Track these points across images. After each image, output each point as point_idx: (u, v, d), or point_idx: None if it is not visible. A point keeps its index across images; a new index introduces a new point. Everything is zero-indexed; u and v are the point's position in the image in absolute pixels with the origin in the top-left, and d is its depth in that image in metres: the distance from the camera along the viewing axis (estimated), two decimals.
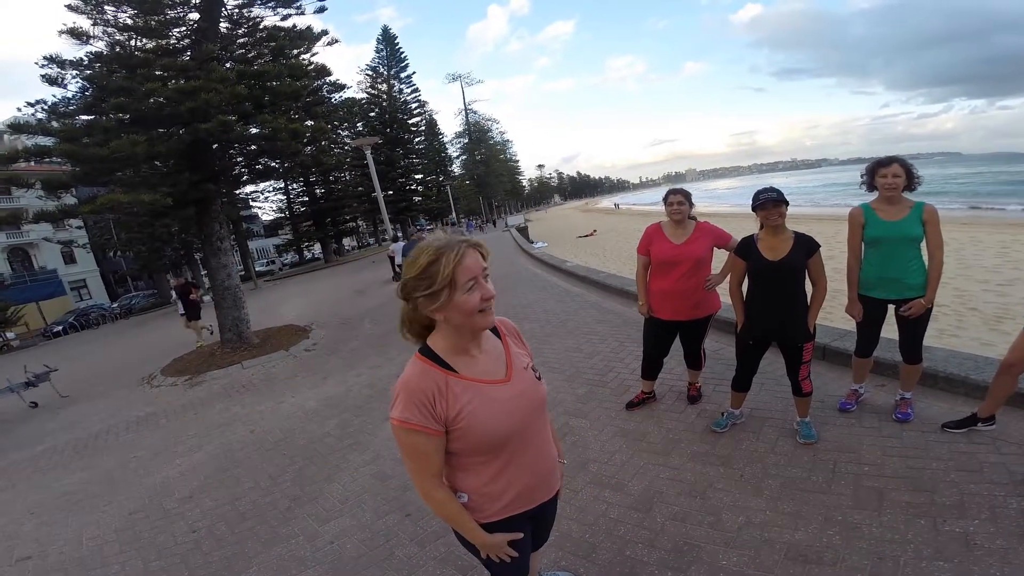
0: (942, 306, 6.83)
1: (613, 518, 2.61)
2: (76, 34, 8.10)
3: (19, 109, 8.56)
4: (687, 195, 3.32)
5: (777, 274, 2.74)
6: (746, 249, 2.86)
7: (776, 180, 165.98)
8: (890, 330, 3.04)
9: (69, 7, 8.10)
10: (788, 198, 2.77)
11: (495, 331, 1.41)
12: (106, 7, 8.18)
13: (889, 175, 2.76)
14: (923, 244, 2.81)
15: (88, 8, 8.11)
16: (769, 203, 2.67)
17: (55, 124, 8.30)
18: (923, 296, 2.79)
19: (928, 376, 3.17)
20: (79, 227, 30.19)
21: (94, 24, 8.23)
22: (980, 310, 6.66)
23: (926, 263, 2.83)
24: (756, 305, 2.90)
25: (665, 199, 3.34)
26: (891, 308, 2.96)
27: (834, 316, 5.53)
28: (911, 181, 2.78)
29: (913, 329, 2.89)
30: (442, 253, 1.19)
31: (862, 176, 2.98)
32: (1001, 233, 13.59)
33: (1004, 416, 2.73)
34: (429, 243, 1.22)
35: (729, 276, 3.06)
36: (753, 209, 2.76)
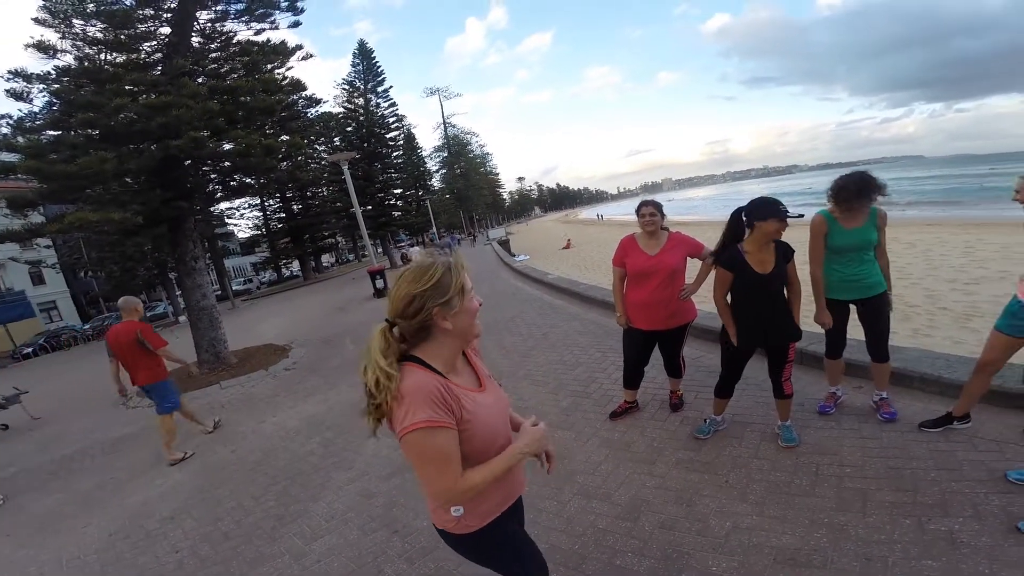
0: (914, 306, 7.00)
1: (601, 528, 2.59)
2: (43, 48, 7.92)
3: None
4: (658, 206, 3.36)
5: (766, 286, 2.74)
6: (734, 263, 2.77)
7: (750, 188, 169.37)
8: (858, 331, 3.11)
9: (36, 21, 7.93)
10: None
11: None
12: (75, 21, 8.03)
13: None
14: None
15: (56, 22, 7.95)
16: (787, 218, 2.61)
17: (20, 140, 8.07)
18: (886, 294, 2.97)
19: (903, 376, 3.24)
20: (48, 246, 29.41)
21: (62, 38, 8.07)
22: (950, 309, 6.84)
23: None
24: (750, 316, 2.85)
25: (637, 211, 3.37)
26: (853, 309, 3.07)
27: (803, 322, 5.62)
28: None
29: (878, 327, 2.99)
30: (449, 265, 1.31)
31: (829, 193, 2.98)
32: (966, 233, 14.03)
33: (978, 414, 2.80)
34: (432, 260, 1.31)
35: (713, 289, 2.97)
36: (764, 218, 2.61)
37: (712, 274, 3.03)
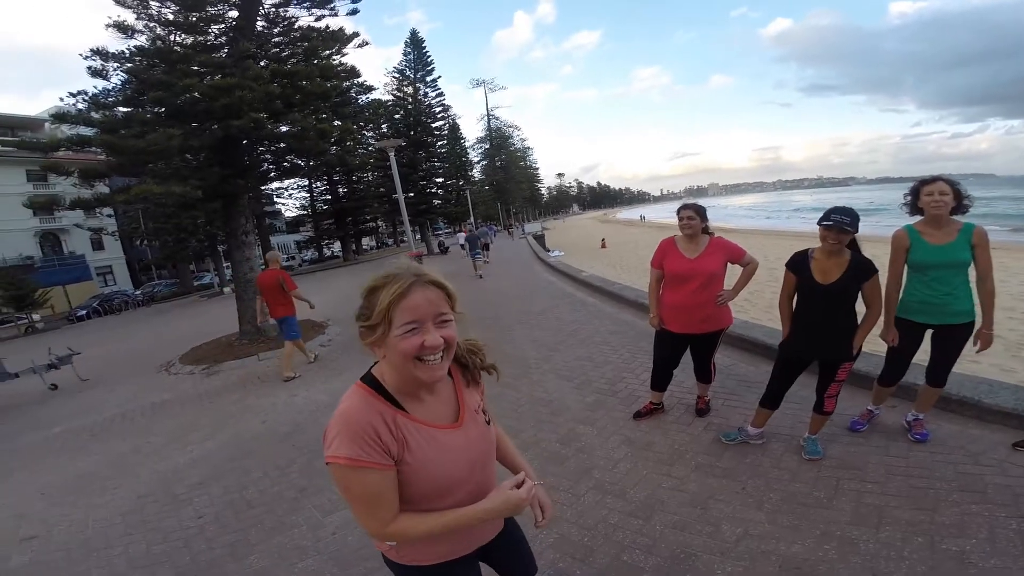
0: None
1: (613, 523, 2.64)
2: (122, 28, 8.44)
3: (61, 99, 8.94)
4: (699, 210, 3.33)
5: (825, 297, 2.66)
6: (797, 266, 2.76)
7: (800, 198, 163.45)
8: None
9: (117, 1, 8.44)
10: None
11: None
12: (151, 2, 8.51)
13: (936, 192, 2.63)
14: (970, 268, 2.70)
15: (135, 3, 8.44)
16: (834, 228, 2.50)
17: (95, 115, 8.63)
18: (974, 326, 2.72)
19: (940, 398, 3.15)
20: (109, 215, 31.13)
21: (138, 18, 8.57)
22: (1003, 336, 6.52)
23: (972, 287, 2.72)
24: (802, 321, 2.81)
25: (677, 213, 3.38)
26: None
27: (869, 339, 5.47)
28: (960, 202, 2.65)
29: (952, 354, 2.79)
30: (385, 283, 1.07)
31: (906, 197, 2.84)
32: None
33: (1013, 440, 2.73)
34: (384, 268, 1.11)
35: (781, 288, 2.93)
36: (818, 223, 2.60)
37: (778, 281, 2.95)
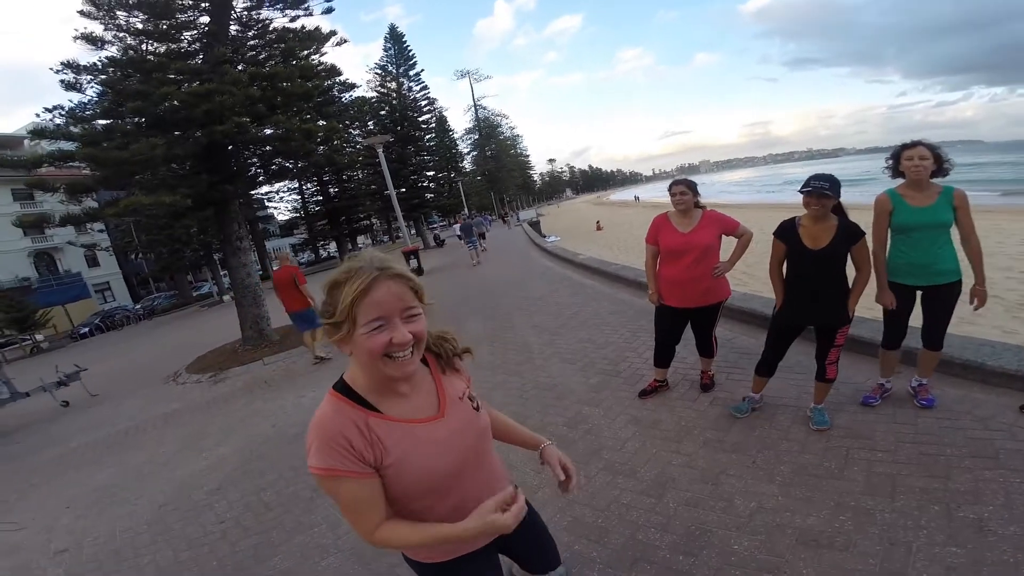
0: (962, 293, 6.76)
1: (625, 503, 2.64)
2: (91, 40, 8.28)
3: (37, 115, 8.82)
4: (690, 185, 3.35)
5: (816, 263, 2.68)
6: (785, 233, 2.79)
7: (792, 170, 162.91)
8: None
9: (82, 13, 8.27)
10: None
11: (423, 359, 1.19)
12: (118, 12, 8.33)
13: (915, 157, 2.66)
14: (952, 229, 2.74)
15: (100, 14, 8.28)
16: (814, 193, 2.55)
17: (74, 129, 8.51)
18: (961, 285, 2.77)
19: (943, 363, 3.13)
20: (101, 231, 30.98)
21: (106, 29, 8.41)
22: (1002, 297, 6.53)
23: (955, 248, 2.77)
24: (794, 289, 2.85)
25: (669, 189, 3.40)
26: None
27: (865, 305, 5.47)
28: (940, 165, 2.69)
29: (942, 315, 2.84)
30: (348, 278, 1.02)
31: (887, 161, 2.89)
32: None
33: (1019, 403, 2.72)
34: (347, 262, 1.07)
35: (769, 257, 2.97)
36: (799, 190, 2.65)
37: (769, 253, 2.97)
